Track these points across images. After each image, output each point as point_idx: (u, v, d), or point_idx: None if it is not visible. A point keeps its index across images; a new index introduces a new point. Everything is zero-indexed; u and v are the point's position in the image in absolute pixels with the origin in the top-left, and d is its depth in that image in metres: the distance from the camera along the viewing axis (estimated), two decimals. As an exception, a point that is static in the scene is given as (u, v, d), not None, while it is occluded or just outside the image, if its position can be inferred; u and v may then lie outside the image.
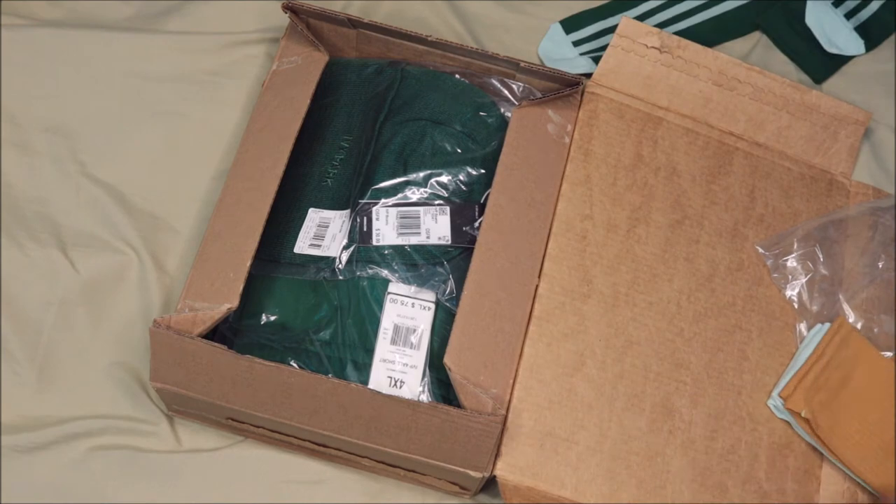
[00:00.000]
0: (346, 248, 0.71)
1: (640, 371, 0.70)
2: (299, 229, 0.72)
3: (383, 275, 0.70)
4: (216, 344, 0.63)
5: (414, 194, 0.73)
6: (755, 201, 0.77)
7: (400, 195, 0.73)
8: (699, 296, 0.73)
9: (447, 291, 0.74)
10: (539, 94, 0.77)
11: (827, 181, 0.80)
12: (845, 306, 0.75)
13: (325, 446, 0.68)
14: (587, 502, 0.66)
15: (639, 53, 0.79)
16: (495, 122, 0.79)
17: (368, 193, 0.72)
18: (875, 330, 0.75)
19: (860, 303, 0.75)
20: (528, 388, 0.68)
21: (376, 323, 0.69)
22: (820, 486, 0.70)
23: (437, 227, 0.75)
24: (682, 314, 0.72)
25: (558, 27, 0.88)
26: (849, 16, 0.90)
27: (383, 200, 0.72)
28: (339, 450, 0.68)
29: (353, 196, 0.73)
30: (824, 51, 0.88)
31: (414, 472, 0.69)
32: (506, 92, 0.79)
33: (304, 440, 0.68)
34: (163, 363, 0.64)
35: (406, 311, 0.72)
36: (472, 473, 0.64)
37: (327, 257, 0.71)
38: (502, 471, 0.65)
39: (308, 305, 0.70)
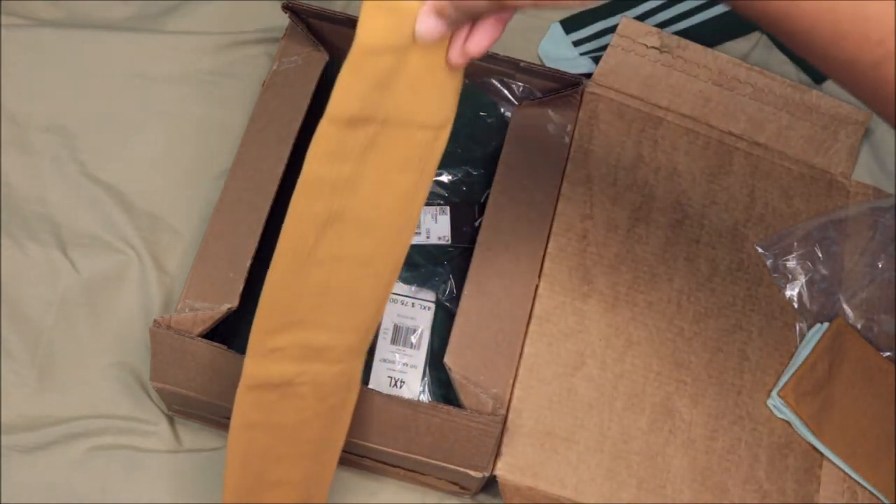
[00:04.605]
0: (346, 247, 0.70)
1: (641, 371, 0.70)
2: (299, 229, 0.72)
3: (383, 275, 0.70)
4: (216, 344, 0.63)
5: (414, 194, 0.73)
6: (755, 201, 0.77)
7: (400, 195, 0.73)
8: (699, 296, 0.73)
9: (447, 291, 0.74)
10: (539, 94, 0.77)
11: (827, 181, 0.80)
12: (845, 306, 0.75)
13: (325, 446, 0.68)
14: (587, 502, 0.66)
15: (639, 53, 0.79)
16: (495, 122, 0.79)
17: (368, 193, 0.72)
18: (875, 330, 0.75)
19: (860, 303, 0.75)
20: (528, 388, 0.68)
21: (376, 323, 0.69)
22: (820, 486, 0.70)
23: (437, 227, 0.75)
24: (683, 314, 0.72)
25: (558, 27, 0.88)
26: (849, 16, 0.90)
27: (383, 200, 0.72)
28: (339, 450, 0.68)
29: (353, 196, 0.72)
30: (824, 51, 0.88)
31: (414, 471, 0.68)
32: (506, 92, 0.79)
33: (305, 440, 0.68)
34: (163, 363, 0.64)
35: (406, 310, 0.72)
36: (473, 473, 0.64)
37: (327, 257, 0.71)
38: (502, 470, 0.65)
39: (308, 305, 0.70)
